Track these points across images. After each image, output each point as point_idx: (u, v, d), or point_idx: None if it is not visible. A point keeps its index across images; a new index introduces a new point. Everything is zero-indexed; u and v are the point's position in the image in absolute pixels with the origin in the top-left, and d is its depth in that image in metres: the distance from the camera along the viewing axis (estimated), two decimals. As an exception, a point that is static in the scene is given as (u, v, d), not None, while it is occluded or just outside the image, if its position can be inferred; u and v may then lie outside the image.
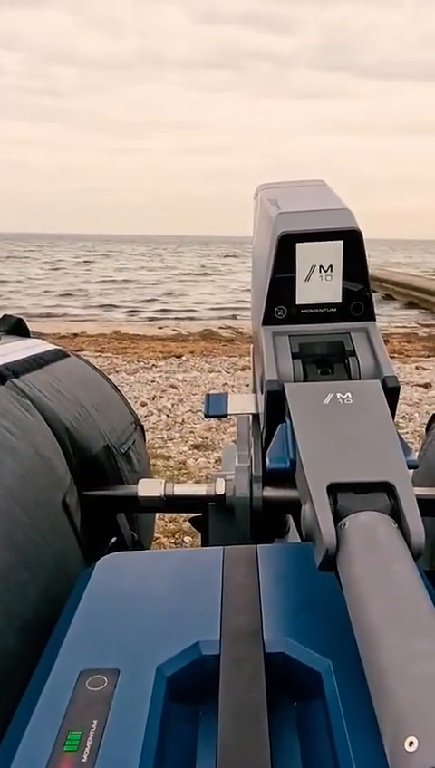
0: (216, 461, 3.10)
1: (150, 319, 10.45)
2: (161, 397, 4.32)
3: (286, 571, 0.55)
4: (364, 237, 0.60)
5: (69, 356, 0.94)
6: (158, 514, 1.46)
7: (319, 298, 0.61)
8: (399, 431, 0.51)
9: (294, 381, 0.59)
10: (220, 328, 8.72)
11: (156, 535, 2.08)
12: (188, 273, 22.81)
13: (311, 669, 0.43)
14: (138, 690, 0.41)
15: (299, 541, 0.69)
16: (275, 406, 0.58)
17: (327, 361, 0.60)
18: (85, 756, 0.36)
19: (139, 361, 5.57)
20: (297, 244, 0.60)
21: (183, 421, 3.78)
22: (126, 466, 0.85)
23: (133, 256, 36.99)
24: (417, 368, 5.50)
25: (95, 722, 0.39)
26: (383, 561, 0.39)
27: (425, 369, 5.43)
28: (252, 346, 0.78)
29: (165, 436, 3.52)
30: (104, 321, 9.94)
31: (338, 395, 0.54)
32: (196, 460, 3.14)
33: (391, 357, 0.60)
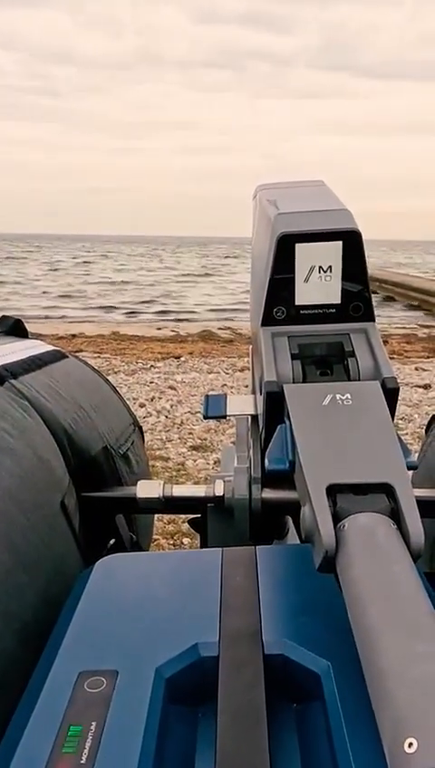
0: (215, 462, 3.10)
1: (150, 320, 10.45)
2: (160, 398, 4.32)
3: (285, 572, 0.55)
4: (364, 238, 0.60)
5: (67, 357, 0.94)
6: (156, 516, 1.46)
7: (318, 299, 0.61)
8: (398, 432, 0.51)
9: (294, 382, 0.59)
10: (219, 329, 8.73)
11: (155, 537, 2.08)
12: (188, 274, 22.82)
13: (310, 671, 0.43)
14: (136, 692, 0.41)
15: (298, 542, 0.69)
16: (275, 407, 0.57)
17: (326, 362, 0.60)
18: (84, 758, 0.36)
19: (137, 362, 5.57)
20: (296, 245, 0.60)
21: (182, 422, 3.78)
22: (125, 468, 0.85)
23: (132, 257, 37.00)
24: (416, 369, 5.50)
25: (94, 723, 0.39)
26: (383, 563, 0.39)
27: (425, 371, 5.43)
28: (251, 347, 0.78)
29: (164, 437, 3.52)
30: (103, 322, 9.94)
31: (337, 396, 0.54)
32: (195, 461, 3.14)
33: (390, 358, 0.60)
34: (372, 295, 0.63)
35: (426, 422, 1.03)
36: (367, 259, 0.61)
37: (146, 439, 1.10)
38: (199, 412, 3.67)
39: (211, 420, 3.36)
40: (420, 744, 0.28)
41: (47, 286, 16.20)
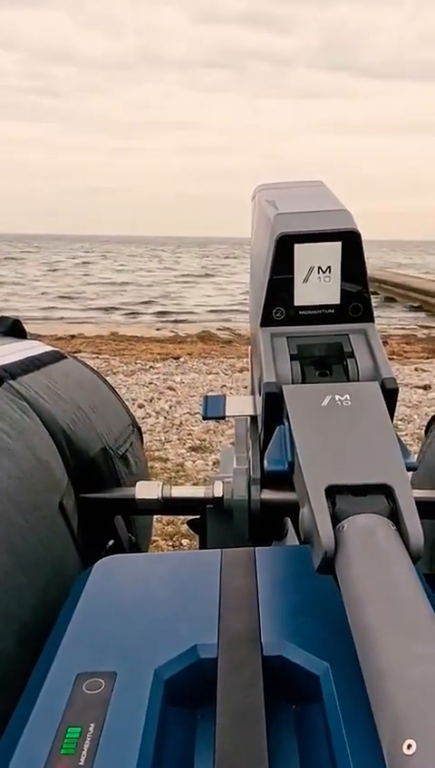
0: (214, 463, 3.10)
1: (149, 321, 10.45)
2: (159, 399, 4.32)
3: (284, 573, 0.55)
4: (363, 238, 0.60)
5: (66, 358, 0.94)
6: (155, 517, 1.46)
7: (317, 299, 0.61)
8: (398, 433, 0.51)
9: (293, 383, 0.59)
10: (218, 329, 8.72)
11: (154, 538, 2.08)
12: (187, 275, 22.82)
13: (309, 672, 0.43)
14: (135, 693, 0.41)
15: (297, 543, 0.69)
16: (274, 408, 0.57)
17: (326, 363, 0.60)
18: (82, 759, 0.36)
19: (136, 363, 5.57)
20: (295, 245, 0.60)
21: (181, 423, 3.78)
22: (123, 469, 0.85)
23: (132, 257, 37.01)
24: (416, 369, 5.50)
25: (92, 725, 0.38)
26: (382, 564, 0.39)
27: (424, 371, 5.43)
28: (250, 348, 0.78)
29: (163, 438, 3.51)
30: (102, 322, 9.94)
31: (336, 397, 0.54)
32: (194, 462, 3.14)
33: (390, 358, 0.60)
34: (373, 296, 0.63)
35: (425, 423, 1.03)
36: (366, 259, 0.61)
37: (145, 440, 1.10)
38: (198, 413, 3.67)
39: (210, 421, 3.36)
40: (419, 746, 0.28)
41: (46, 287, 16.20)
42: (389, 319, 10.10)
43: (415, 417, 3.91)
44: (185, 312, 11.78)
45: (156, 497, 0.74)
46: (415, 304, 12.58)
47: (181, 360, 5.84)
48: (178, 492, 0.75)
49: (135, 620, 0.49)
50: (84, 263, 29.54)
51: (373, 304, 0.63)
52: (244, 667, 0.43)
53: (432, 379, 5.12)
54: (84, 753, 0.37)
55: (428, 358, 6.20)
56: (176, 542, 2.27)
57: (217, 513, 0.74)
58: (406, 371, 5.37)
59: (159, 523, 2.30)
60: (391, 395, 0.56)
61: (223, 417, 0.72)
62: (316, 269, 0.60)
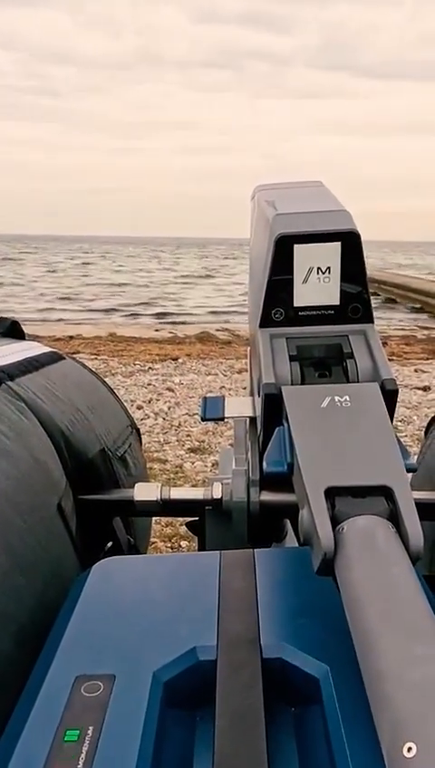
0: (213, 465, 3.10)
1: (148, 322, 10.45)
2: (158, 400, 4.32)
3: (284, 575, 0.54)
4: (363, 239, 0.60)
5: (64, 359, 0.94)
6: (154, 519, 1.45)
7: (317, 300, 0.61)
8: (397, 434, 0.51)
9: (292, 384, 0.58)
10: (217, 330, 8.72)
11: (152, 539, 2.08)
12: (187, 276, 22.83)
13: (308, 675, 0.43)
14: (134, 696, 0.41)
15: (297, 545, 0.69)
16: (273, 409, 0.57)
17: (325, 364, 0.60)
18: (81, 762, 0.36)
19: (135, 364, 5.57)
20: (295, 246, 0.60)
21: (180, 424, 3.78)
22: (122, 470, 0.85)
23: (131, 258, 37.01)
24: (416, 370, 5.50)
25: (91, 728, 0.38)
26: (381, 566, 0.39)
27: (424, 372, 5.43)
28: (249, 349, 0.77)
29: (161, 439, 3.51)
30: (100, 323, 9.94)
31: (336, 398, 0.54)
32: (192, 464, 3.14)
33: (389, 359, 0.60)
34: (373, 297, 0.63)
35: (425, 424, 1.02)
36: (366, 260, 0.61)
37: (143, 441, 1.10)
38: (197, 414, 3.66)
39: (209, 422, 3.36)
40: (419, 749, 0.28)
41: (45, 288, 16.20)
42: (389, 320, 10.10)
43: (415, 418, 3.91)
44: (184, 313, 11.78)
45: (154, 499, 0.74)
46: (416, 305, 12.45)
47: (180, 360, 5.84)
48: (177, 493, 0.75)
49: (134, 622, 0.49)
50: (83, 263, 29.55)
51: (373, 306, 0.63)
52: (243, 669, 0.42)
53: (432, 380, 5.12)
54: (83, 756, 0.36)
55: (427, 359, 6.20)
56: (175, 543, 2.27)
57: (216, 514, 0.74)
58: (406, 372, 5.37)
59: (157, 524, 2.29)
60: (390, 396, 0.56)
61: (222, 419, 0.72)
62: (316, 270, 0.60)
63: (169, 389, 4.62)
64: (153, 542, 2.17)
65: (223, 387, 4.74)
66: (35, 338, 1.06)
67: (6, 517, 0.56)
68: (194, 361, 5.82)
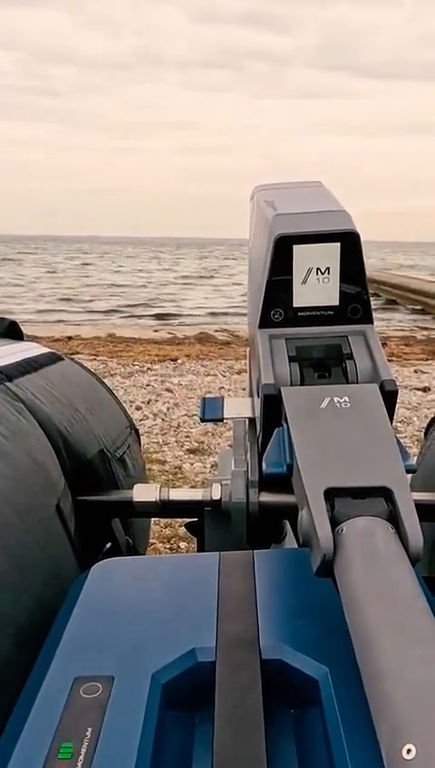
0: (212, 466, 3.09)
1: (147, 322, 10.44)
2: (157, 400, 4.31)
3: (283, 576, 0.54)
4: (363, 239, 0.60)
5: (63, 359, 0.94)
6: (153, 520, 1.45)
7: (316, 301, 0.61)
8: (397, 435, 0.51)
9: (291, 385, 0.58)
10: (216, 331, 8.72)
11: (151, 541, 2.08)
12: (186, 276, 22.83)
13: (308, 676, 0.42)
14: (133, 697, 0.41)
15: (296, 546, 0.69)
16: (272, 410, 0.57)
17: (324, 365, 0.60)
18: (79, 764, 0.36)
19: (134, 365, 5.56)
20: (294, 247, 0.60)
21: (179, 425, 3.78)
22: (121, 471, 0.85)
23: (131, 259, 37.00)
24: (415, 371, 5.49)
25: (90, 729, 0.38)
26: (381, 567, 0.39)
27: (424, 373, 5.43)
28: (248, 349, 0.77)
29: (160, 440, 3.51)
30: (99, 324, 9.93)
31: (335, 399, 0.54)
32: (191, 465, 3.14)
33: (389, 360, 0.60)
34: (374, 299, 0.63)
35: (425, 425, 1.02)
36: (366, 260, 0.61)
37: (142, 442, 1.10)
38: (196, 415, 3.66)
39: (208, 423, 3.36)
40: (418, 751, 0.28)
41: (44, 288, 16.19)
42: (388, 321, 10.08)
43: (414, 419, 3.91)
44: (183, 314, 11.77)
45: (153, 500, 0.74)
46: (417, 307, 12.25)
47: (179, 361, 5.83)
48: (176, 494, 0.75)
49: (133, 624, 0.48)
50: (83, 264, 29.54)
51: (374, 308, 0.63)
52: (242, 670, 0.42)
53: (432, 380, 5.11)
54: (82, 757, 0.36)
55: (427, 359, 6.20)
56: (174, 544, 2.26)
57: (216, 515, 0.74)
58: (405, 373, 5.37)
59: (156, 525, 2.29)
60: (390, 397, 0.56)
61: (221, 420, 0.72)
62: (315, 270, 0.60)
63: (168, 390, 4.61)
64: (152, 544, 2.17)
65: (222, 387, 4.73)
66: (34, 338, 1.06)
67: (5, 518, 0.56)
68: (193, 362, 5.82)
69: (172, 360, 5.85)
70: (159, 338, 8.07)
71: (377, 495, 0.44)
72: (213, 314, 11.55)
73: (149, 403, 4.24)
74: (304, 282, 0.61)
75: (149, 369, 5.42)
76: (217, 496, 0.72)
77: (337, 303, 0.61)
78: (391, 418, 0.55)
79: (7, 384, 0.71)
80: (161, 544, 2.26)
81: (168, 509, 0.75)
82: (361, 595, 0.38)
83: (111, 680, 0.42)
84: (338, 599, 0.40)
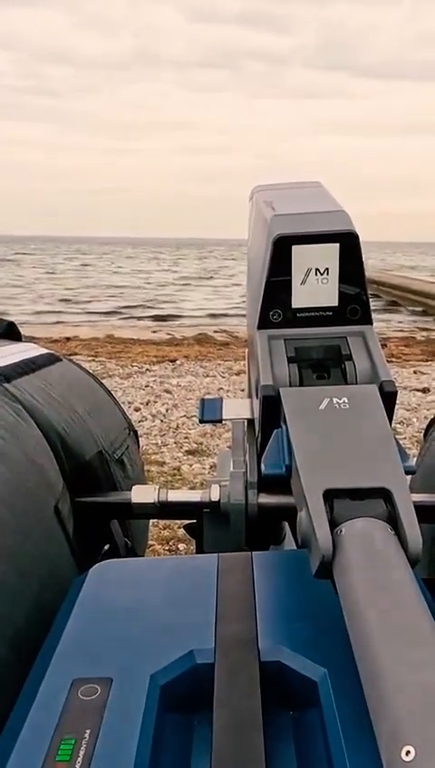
0: (210, 467, 3.09)
1: (146, 323, 10.44)
2: (155, 402, 4.31)
3: (282, 578, 0.54)
4: (362, 240, 0.60)
5: (61, 360, 0.94)
6: (152, 521, 1.45)
7: (315, 301, 0.61)
8: (396, 436, 0.51)
9: (290, 386, 0.58)
10: (215, 332, 8.71)
11: (150, 542, 2.07)
12: (186, 277, 22.84)
13: (307, 678, 0.42)
14: (131, 699, 0.41)
15: (295, 548, 0.69)
16: (271, 411, 0.57)
17: (323, 366, 0.60)
18: (77, 766, 0.36)
19: (132, 366, 5.56)
20: (293, 247, 0.60)
21: (177, 426, 3.78)
22: (119, 472, 0.85)
23: (130, 259, 37.00)
24: (415, 372, 5.49)
25: (88, 731, 0.38)
26: (380, 569, 0.39)
27: (423, 374, 5.43)
28: (247, 350, 0.77)
29: (159, 441, 3.51)
30: (98, 325, 9.92)
31: (334, 400, 0.54)
32: (190, 466, 3.13)
33: (388, 361, 0.60)
34: (375, 300, 0.63)
35: (424, 426, 1.02)
36: (365, 261, 0.61)
37: (141, 443, 1.10)
38: (195, 416, 3.66)
39: (207, 424, 3.36)
40: (417, 753, 0.28)
41: (44, 289, 16.19)
42: (387, 322, 10.06)
43: (414, 420, 3.91)
44: (182, 315, 11.76)
45: (152, 501, 0.73)
46: (418, 308, 11.85)
47: (178, 362, 5.83)
48: (175, 496, 0.74)
49: (131, 625, 0.48)
50: (83, 265, 29.54)
51: (375, 309, 0.63)
52: (241, 672, 0.42)
53: (431, 381, 5.11)
54: (80, 759, 0.36)
55: (426, 360, 6.20)
56: (172, 546, 2.26)
57: (214, 517, 0.74)
58: (405, 374, 5.37)
59: (155, 527, 2.29)
60: (389, 398, 0.56)
61: (220, 421, 0.72)
62: (314, 271, 0.60)
63: (167, 391, 4.61)
64: (151, 545, 2.17)
65: (221, 388, 4.73)
66: (32, 339, 1.06)
67: (3, 519, 0.55)
68: (192, 363, 5.82)
69: (171, 361, 5.86)
70: (158, 339, 8.07)
71: (376, 497, 0.44)
72: (212, 316, 11.54)
73: (147, 404, 4.24)
74: (303, 282, 0.61)
75: (147, 370, 5.42)
76: (215, 498, 0.72)
77: (336, 304, 0.61)
78: (391, 419, 0.55)
79: (5, 385, 0.71)
80: (160, 546, 2.25)
81: (166, 510, 0.75)
82: (360, 597, 0.38)
83: (109, 682, 0.42)
84: (337, 600, 0.40)
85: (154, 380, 4.98)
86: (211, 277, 23.10)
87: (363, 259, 0.61)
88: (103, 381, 1.01)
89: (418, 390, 4.76)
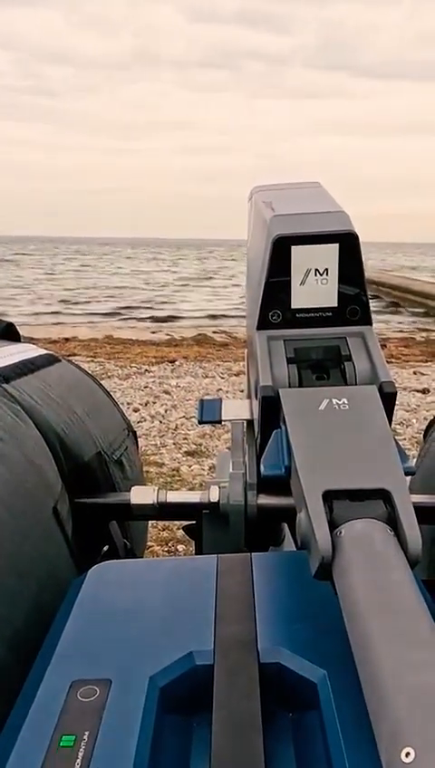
0: (210, 468, 3.09)
1: (145, 324, 10.43)
2: (154, 402, 4.31)
3: (281, 579, 0.54)
4: (362, 240, 0.60)
5: (60, 361, 0.94)
6: (151, 522, 1.45)
7: (314, 302, 0.61)
8: (396, 437, 0.51)
9: (290, 387, 0.58)
10: (214, 332, 8.71)
11: (149, 543, 2.07)
12: (185, 277, 22.84)
13: (306, 679, 0.42)
14: (130, 701, 0.40)
15: (294, 549, 0.69)
16: (270, 412, 0.57)
17: (323, 366, 0.60)
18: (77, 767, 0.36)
19: (131, 366, 5.56)
20: (292, 248, 0.60)
21: (176, 427, 3.78)
22: (118, 473, 0.85)
23: (130, 260, 37.00)
24: (415, 373, 5.49)
25: (87, 733, 0.38)
26: (380, 570, 0.39)
27: (423, 375, 5.43)
28: (247, 351, 0.77)
29: (158, 442, 3.51)
30: (97, 325, 9.92)
31: (334, 401, 0.54)
32: (189, 467, 3.13)
33: (388, 362, 0.60)
34: (375, 301, 0.63)
35: (424, 427, 1.02)
36: (365, 262, 0.61)
37: (140, 444, 1.10)
38: (194, 417, 3.66)
39: (206, 425, 3.36)
40: (417, 754, 0.28)
41: (43, 290, 16.18)
42: (387, 322, 10.05)
43: (414, 420, 3.91)
44: (182, 315, 11.76)
45: (151, 502, 0.73)
46: (419, 309, 11.68)
47: (177, 363, 5.83)
48: (174, 497, 0.74)
49: (130, 627, 0.48)
50: (82, 265, 29.53)
51: (375, 311, 0.63)
52: (240, 674, 0.42)
53: (431, 382, 5.12)
54: (79, 761, 0.36)
55: (426, 361, 6.20)
56: (171, 547, 2.26)
57: (214, 518, 0.74)
58: (404, 375, 5.37)
59: (154, 528, 2.29)
60: (389, 399, 0.56)
61: (219, 421, 0.72)
62: (313, 271, 0.60)
63: (166, 392, 4.61)
64: (150, 546, 2.17)
65: (220, 389, 4.73)
66: (31, 340, 1.06)
67: (1, 520, 0.55)
68: (191, 364, 5.82)
69: (170, 362, 5.85)
70: (157, 339, 8.06)
71: (376, 498, 0.44)
72: (212, 316, 11.53)
73: (146, 405, 4.24)
74: (303, 283, 0.61)
75: (146, 370, 5.42)
76: (214, 499, 0.72)
77: (336, 305, 0.61)
78: (390, 420, 0.55)
79: (4, 386, 0.71)
80: (159, 547, 2.25)
81: (165, 512, 0.75)
82: (359, 598, 0.38)
83: (108, 683, 0.42)
84: (336, 601, 0.40)
85: (153, 381, 4.98)
86: (211, 278, 23.10)
87: (363, 259, 0.61)
88: (102, 382, 1.01)
89: (417, 391, 4.77)
